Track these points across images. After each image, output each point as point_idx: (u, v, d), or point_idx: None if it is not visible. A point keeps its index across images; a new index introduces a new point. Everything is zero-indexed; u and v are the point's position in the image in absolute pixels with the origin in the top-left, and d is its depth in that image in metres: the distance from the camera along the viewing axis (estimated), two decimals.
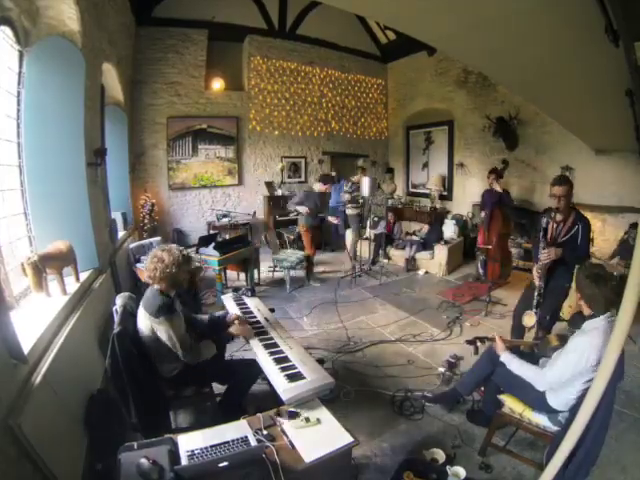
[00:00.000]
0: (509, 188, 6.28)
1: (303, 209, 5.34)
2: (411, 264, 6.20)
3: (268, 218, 7.33)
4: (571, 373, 1.85)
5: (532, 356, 2.31)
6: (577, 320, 2.02)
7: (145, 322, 2.05)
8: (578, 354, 1.83)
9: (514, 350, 2.36)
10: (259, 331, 2.52)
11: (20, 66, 2.52)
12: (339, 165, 8.62)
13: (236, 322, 2.43)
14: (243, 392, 2.35)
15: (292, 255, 5.29)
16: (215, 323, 2.48)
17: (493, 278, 5.02)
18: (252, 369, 2.29)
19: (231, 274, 5.49)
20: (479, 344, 2.50)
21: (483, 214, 5.36)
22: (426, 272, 6.09)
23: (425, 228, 6.76)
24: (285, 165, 7.85)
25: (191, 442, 1.55)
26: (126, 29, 5.33)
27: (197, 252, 4.34)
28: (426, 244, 6.32)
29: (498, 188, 5.17)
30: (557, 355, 2.02)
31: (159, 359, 2.13)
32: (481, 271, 5.48)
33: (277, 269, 5.53)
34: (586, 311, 1.98)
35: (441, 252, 6.03)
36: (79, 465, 1.90)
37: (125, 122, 5.56)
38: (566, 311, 4.10)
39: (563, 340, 2.11)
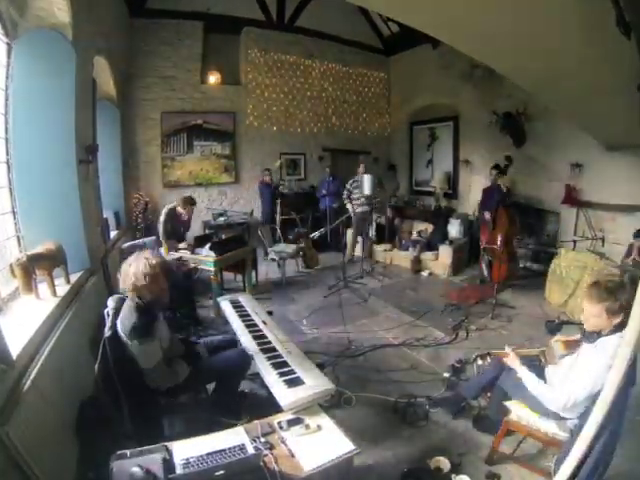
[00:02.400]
0: (516, 185, 6.31)
1: None
2: (417, 265, 6.20)
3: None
4: (586, 394, 1.79)
5: (538, 366, 2.29)
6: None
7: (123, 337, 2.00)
8: (593, 375, 1.76)
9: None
10: (257, 335, 2.52)
11: (8, 59, 2.52)
12: (339, 162, 8.64)
13: None
14: (236, 384, 2.35)
15: (286, 247, 5.77)
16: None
17: (499, 280, 5.01)
18: (242, 358, 2.30)
19: (228, 275, 5.48)
20: (480, 362, 2.47)
21: (487, 215, 5.38)
22: (430, 273, 6.09)
23: (429, 228, 6.76)
24: (283, 162, 7.84)
25: (186, 450, 1.55)
26: (119, 21, 5.33)
27: (192, 252, 4.34)
28: (430, 244, 6.33)
29: (503, 186, 5.18)
30: (567, 371, 1.95)
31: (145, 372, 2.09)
32: (485, 272, 5.48)
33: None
34: (610, 321, 1.83)
35: (446, 252, 6.03)
36: (70, 474, 1.89)
37: (117, 118, 5.57)
38: (576, 313, 4.12)
39: (571, 347, 2.08)
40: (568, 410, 1.91)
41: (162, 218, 4.54)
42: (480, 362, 2.39)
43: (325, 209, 7.08)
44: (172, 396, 2.22)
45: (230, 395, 2.33)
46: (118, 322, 2.01)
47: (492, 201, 5.26)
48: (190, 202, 4.66)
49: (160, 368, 2.02)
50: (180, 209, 4.57)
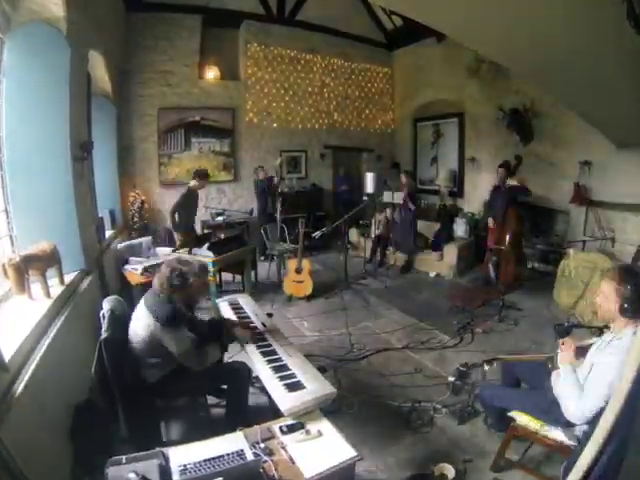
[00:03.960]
0: (524, 184, 6.29)
1: None
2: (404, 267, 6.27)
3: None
4: (608, 397, 1.72)
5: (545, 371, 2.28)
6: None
7: (146, 324, 2.08)
8: (611, 377, 1.73)
9: (521, 367, 2.33)
10: (256, 338, 2.52)
11: (0, 54, 2.52)
12: (342, 159, 8.63)
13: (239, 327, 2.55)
14: (243, 399, 2.36)
15: (284, 246, 5.87)
16: (214, 326, 2.54)
17: (506, 281, 5.00)
18: (241, 371, 2.35)
19: (226, 277, 5.49)
20: (487, 367, 2.44)
21: (491, 223, 5.44)
22: (437, 274, 6.08)
23: (435, 226, 6.69)
24: (284, 160, 7.83)
25: (183, 456, 1.54)
26: (114, 15, 5.33)
27: (190, 252, 4.35)
28: (436, 244, 6.32)
29: (515, 182, 5.16)
30: (582, 378, 1.92)
31: (146, 362, 2.14)
32: (492, 274, 5.46)
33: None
34: (619, 307, 1.80)
35: (451, 253, 6.02)
36: None
37: (113, 114, 5.57)
38: (585, 315, 4.11)
39: (581, 354, 2.07)
40: (587, 418, 1.87)
41: (176, 203, 4.91)
42: (487, 367, 2.35)
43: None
44: (169, 400, 2.23)
45: (242, 410, 2.34)
46: (143, 307, 2.13)
47: (500, 201, 5.23)
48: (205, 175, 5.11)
49: (191, 353, 2.14)
50: (196, 184, 5.06)
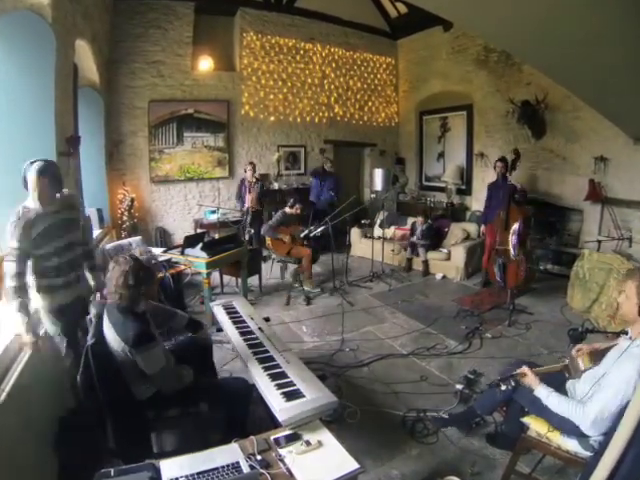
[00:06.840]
0: (535, 181, 6.30)
1: None
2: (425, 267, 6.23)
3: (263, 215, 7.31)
4: (618, 407, 1.75)
5: (561, 379, 2.28)
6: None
7: (119, 346, 1.99)
8: (625, 385, 1.73)
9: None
10: (252, 343, 2.52)
11: None
12: (343, 155, 8.64)
13: None
14: (243, 418, 2.36)
15: None
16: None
17: (515, 284, 4.97)
18: (242, 386, 2.32)
19: (217, 279, 5.49)
20: (503, 387, 2.41)
21: (483, 228, 5.55)
22: (444, 276, 6.07)
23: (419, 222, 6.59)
24: (282, 155, 7.84)
25: (175, 468, 1.54)
26: (102, 2, 5.33)
27: (182, 253, 4.34)
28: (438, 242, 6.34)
29: (510, 180, 5.19)
30: (595, 382, 1.92)
31: (130, 380, 2.09)
32: (498, 276, 5.44)
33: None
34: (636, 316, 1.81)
35: (458, 253, 6.01)
36: None
37: (101, 106, 5.57)
38: (600, 318, 4.11)
39: (597, 359, 2.07)
40: (596, 425, 1.88)
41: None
42: (503, 388, 2.27)
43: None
44: (160, 410, 2.22)
45: (241, 425, 2.33)
46: (110, 329, 2.00)
47: (499, 199, 5.21)
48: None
49: (165, 372, 2.05)
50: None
